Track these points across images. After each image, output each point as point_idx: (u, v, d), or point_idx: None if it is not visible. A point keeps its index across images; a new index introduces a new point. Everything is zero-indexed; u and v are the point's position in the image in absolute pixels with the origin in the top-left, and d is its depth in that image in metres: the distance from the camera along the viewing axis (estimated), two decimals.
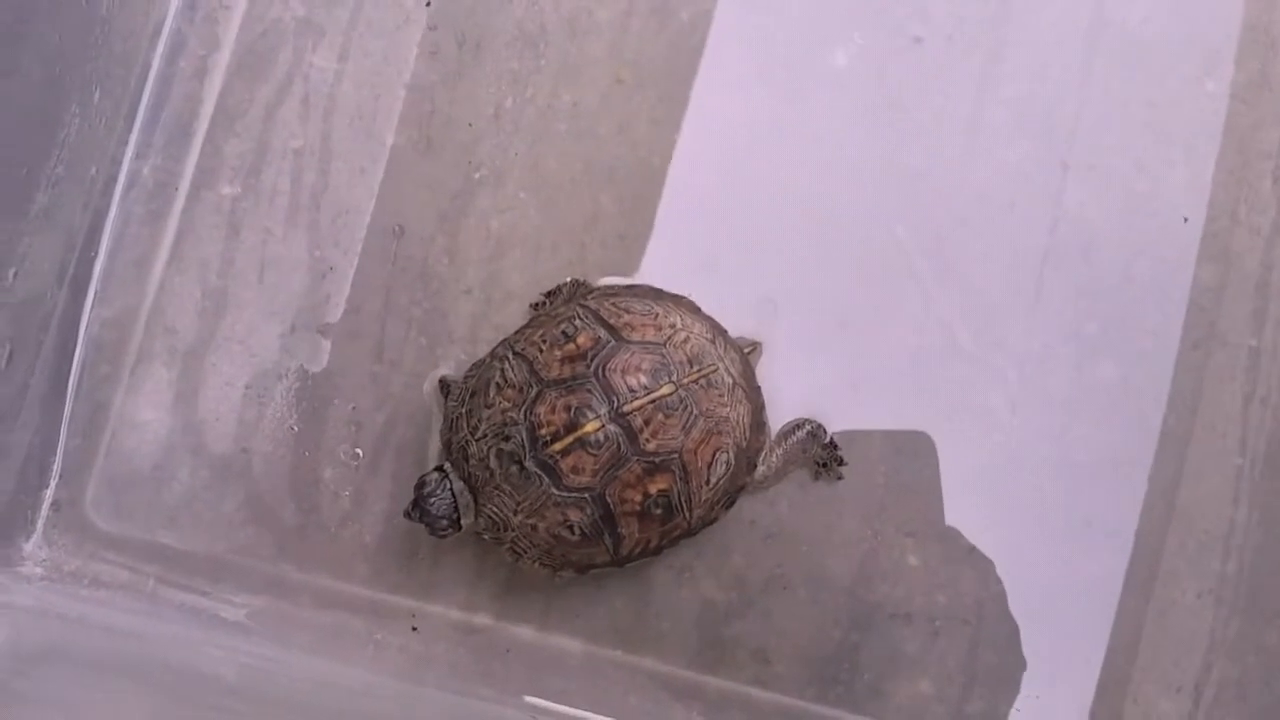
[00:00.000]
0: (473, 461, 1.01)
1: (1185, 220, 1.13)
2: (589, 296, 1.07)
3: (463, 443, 1.02)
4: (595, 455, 0.97)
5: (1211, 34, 1.17)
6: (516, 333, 1.06)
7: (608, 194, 1.14)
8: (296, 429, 1.10)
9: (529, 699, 1.07)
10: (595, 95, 1.15)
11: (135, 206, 1.12)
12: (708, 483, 1.01)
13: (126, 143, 1.11)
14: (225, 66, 1.14)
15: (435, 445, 1.10)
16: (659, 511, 0.99)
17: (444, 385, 1.09)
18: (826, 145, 1.15)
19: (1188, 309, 1.13)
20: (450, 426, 1.04)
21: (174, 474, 1.10)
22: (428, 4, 1.15)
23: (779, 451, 1.07)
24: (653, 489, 0.98)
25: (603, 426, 0.97)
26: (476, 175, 1.14)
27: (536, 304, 1.11)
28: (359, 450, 1.10)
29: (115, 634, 1.01)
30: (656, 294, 1.07)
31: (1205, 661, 1.09)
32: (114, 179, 1.11)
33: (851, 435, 1.10)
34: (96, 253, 1.10)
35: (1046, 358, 1.12)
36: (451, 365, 1.11)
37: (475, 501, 1.01)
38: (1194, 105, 1.16)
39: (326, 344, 1.11)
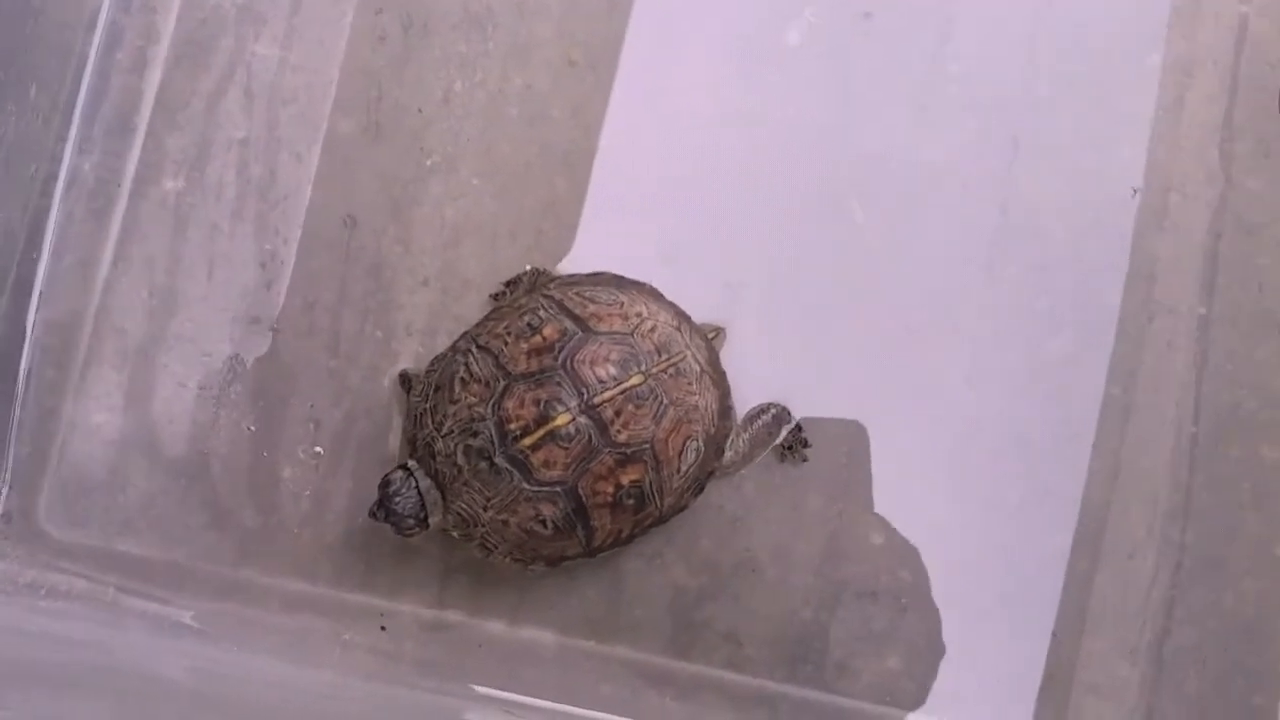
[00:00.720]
0: (439, 458, 0.99)
1: (1134, 193, 1.15)
2: (551, 285, 1.05)
3: (428, 439, 1.00)
4: (566, 448, 0.96)
5: (1150, 9, 1.18)
6: (478, 325, 1.04)
7: (563, 179, 1.12)
8: (253, 429, 1.08)
9: (490, 691, 1.06)
10: (547, 78, 1.13)
11: (77, 205, 1.08)
12: (679, 471, 1.01)
13: (65, 139, 1.08)
14: (164, 58, 1.11)
15: (396, 441, 1.09)
16: (631, 502, 0.99)
17: (405, 380, 1.07)
18: (782, 126, 1.14)
19: (1138, 281, 1.14)
20: (415, 423, 1.02)
21: (129, 479, 1.07)
22: None
23: (745, 436, 1.07)
24: (625, 480, 0.98)
25: (573, 419, 0.96)
26: (428, 162, 1.12)
27: (497, 294, 1.09)
28: (319, 448, 1.08)
29: (77, 645, 0.99)
30: (619, 281, 1.06)
31: (1163, 626, 1.11)
32: (54, 177, 1.07)
33: (814, 418, 1.10)
34: (39, 254, 1.07)
35: (1001, 335, 1.13)
36: (410, 359, 1.09)
37: (443, 498, 1.00)
38: (1137, 80, 1.17)
39: (281, 340, 1.09)
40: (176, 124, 1.11)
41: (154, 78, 1.10)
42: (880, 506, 1.10)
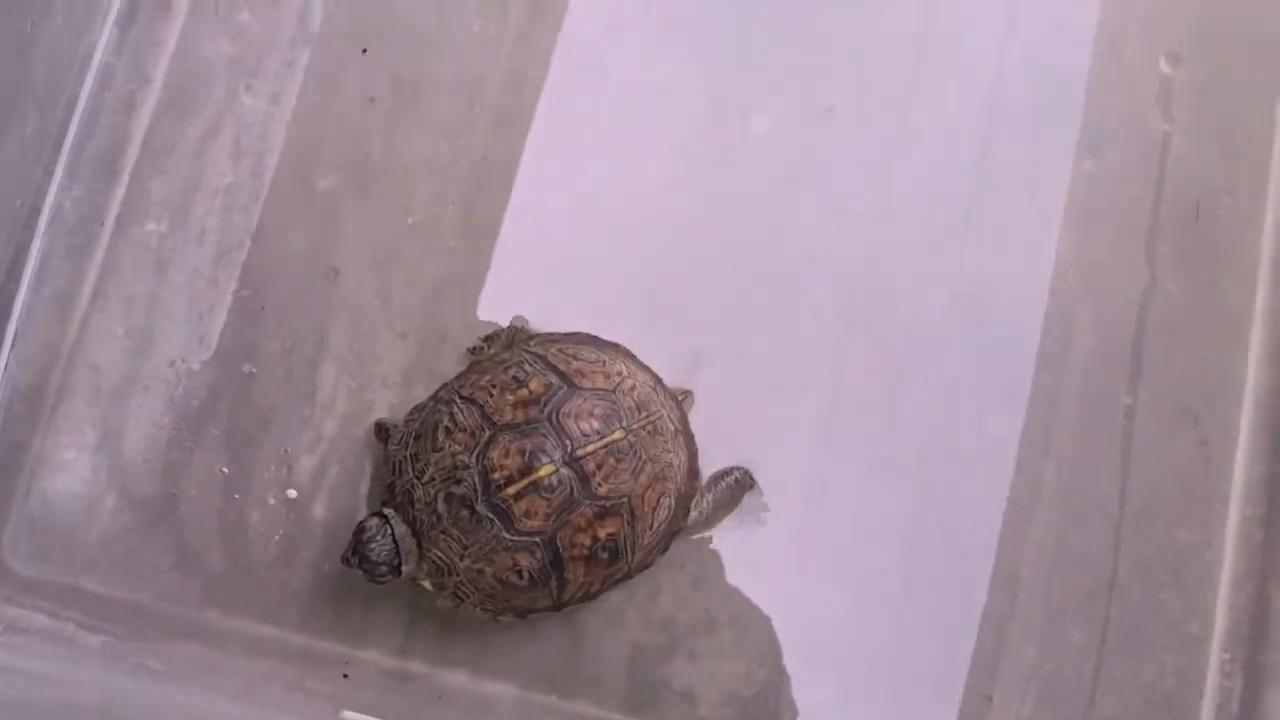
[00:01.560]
0: (418, 505, 1.01)
1: (1055, 287, 1.23)
2: (531, 342, 1.09)
3: (408, 486, 1.02)
4: (548, 499, 0.99)
5: (1078, 122, 1.28)
6: (459, 377, 1.07)
7: (540, 246, 1.16)
8: (226, 471, 1.08)
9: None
10: (531, 151, 1.18)
11: (58, 241, 1.09)
12: (652, 527, 1.04)
13: (52, 174, 1.08)
14: (154, 102, 1.13)
15: (368, 489, 1.10)
16: (605, 556, 1.02)
17: (380, 429, 1.09)
18: (749, 209, 1.20)
19: (1074, 369, 1.22)
20: (394, 470, 1.04)
21: (97, 516, 1.06)
22: (364, 51, 1.16)
23: (710, 497, 1.11)
24: (602, 533, 1.01)
25: (557, 470, 0.99)
26: (410, 220, 1.15)
27: (474, 348, 1.12)
28: (291, 492, 1.09)
29: (35, 681, 0.97)
30: (596, 341, 1.10)
31: (1089, 696, 1.17)
32: (37, 211, 1.08)
33: (770, 481, 1.15)
34: (18, 286, 1.06)
35: (947, 410, 1.20)
36: (385, 409, 1.11)
37: (419, 546, 1.02)
38: (1072, 180, 1.26)
39: (257, 385, 1.10)
40: (162, 168, 1.12)
41: (142, 121, 1.12)
42: (838, 569, 1.15)
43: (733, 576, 1.13)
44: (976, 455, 1.19)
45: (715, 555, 1.13)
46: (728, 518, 1.13)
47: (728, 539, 1.13)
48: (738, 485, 1.13)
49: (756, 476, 1.13)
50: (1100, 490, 1.21)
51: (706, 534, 1.12)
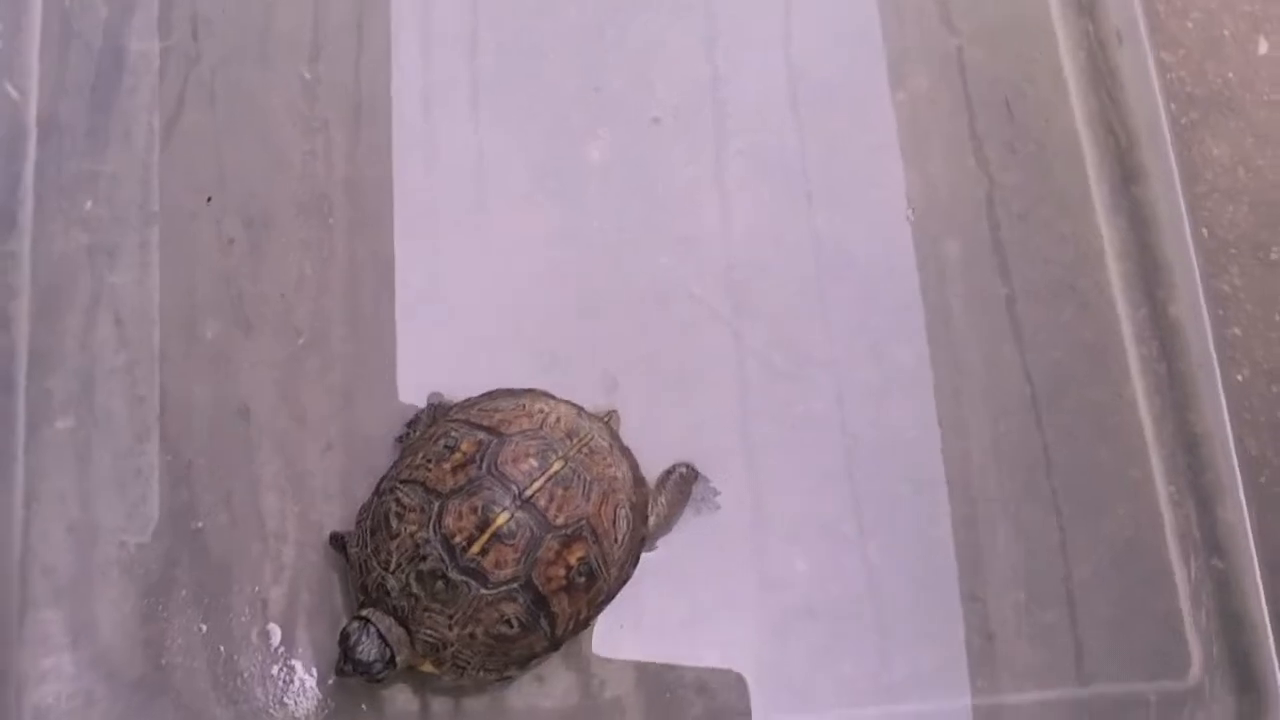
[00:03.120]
0: (394, 594, 1.04)
1: (911, 213, 1.31)
2: (451, 412, 1.13)
3: (379, 580, 1.05)
4: (513, 545, 1.03)
5: (880, 56, 1.37)
6: (393, 466, 1.11)
7: (423, 325, 1.21)
8: (204, 628, 1.10)
9: None
10: (387, 243, 1.23)
11: None
12: (616, 541, 1.08)
13: None
14: (28, 310, 1.15)
15: (343, 600, 1.13)
16: (583, 580, 1.06)
17: (336, 539, 1.12)
18: (607, 231, 1.27)
19: (941, 281, 1.30)
20: (361, 570, 1.07)
21: (94, 712, 1.07)
22: (208, 200, 1.20)
23: (662, 499, 1.16)
24: (572, 559, 1.05)
25: (512, 515, 1.03)
26: (300, 341, 1.19)
27: (400, 436, 1.16)
28: (271, 625, 1.11)
29: None
30: (512, 391, 1.15)
31: (1064, 569, 1.23)
32: None
33: (713, 468, 1.20)
34: None
35: (850, 358, 1.26)
36: (336, 521, 1.14)
37: (408, 632, 1.04)
38: (889, 116, 1.35)
39: (209, 537, 1.12)
40: (54, 367, 1.15)
41: (22, 330, 1.15)
42: (794, 534, 1.20)
43: (706, 563, 1.17)
44: (885, 390, 1.26)
45: (684, 548, 1.17)
46: (684, 513, 1.18)
47: (690, 530, 1.18)
48: (683, 480, 1.17)
49: (698, 468, 1.19)
50: (1010, 382, 1.28)
51: (670, 533, 1.17)
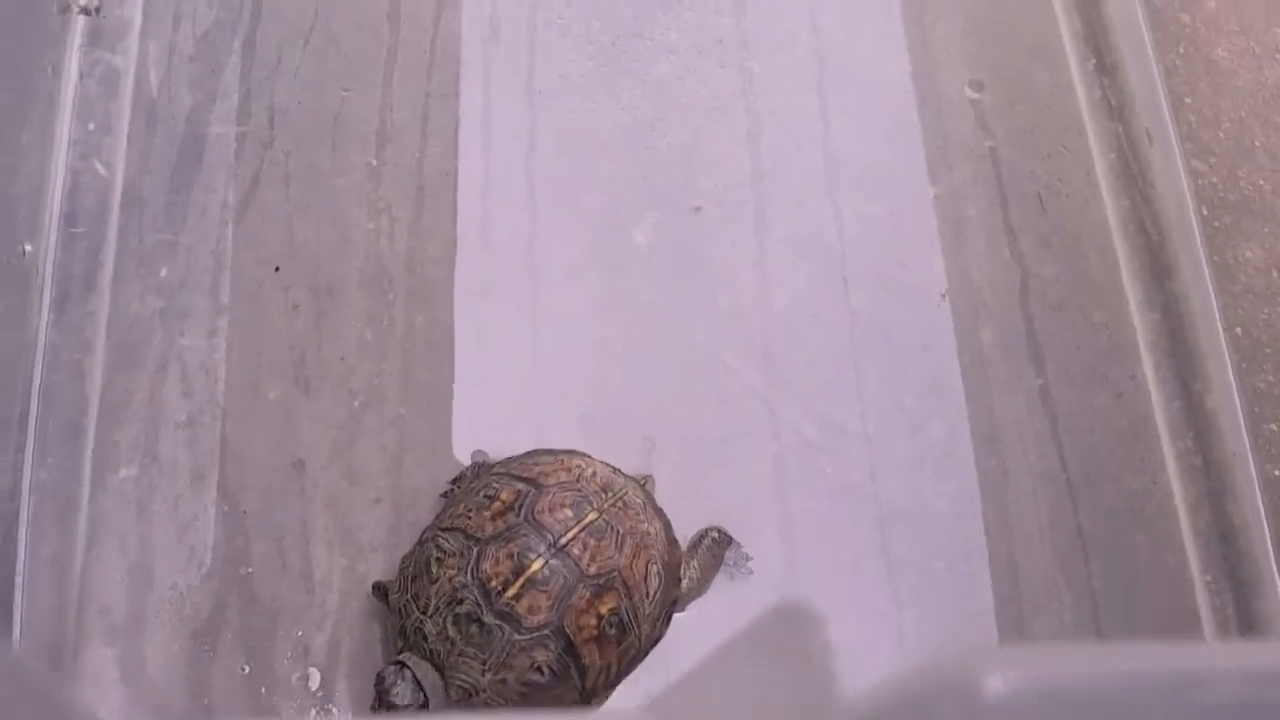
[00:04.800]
0: (431, 638, 1.07)
1: (943, 296, 1.36)
2: (493, 469, 1.18)
3: (417, 624, 1.08)
4: (546, 591, 1.06)
5: (917, 150, 1.43)
6: (437, 517, 1.15)
7: (475, 391, 1.27)
8: (248, 669, 1.14)
9: None
10: (444, 314, 1.30)
11: (43, 507, 1.16)
12: (648, 596, 1.11)
13: (24, 452, 1.17)
14: (102, 364, 1.23)
15: (382, 650, 1.16)
16: (614, 632, 1.08)
17: (379, 589, 1.16)
18: (649, 307, 1.32)
19: (978, 366, 1.34)
20: (400, 614, 1.10)
21: None
22: (276, 269, 1.28)
23: (695, 562, 1.18)
24: (604, 609, 1.08)
25: (546, 562, 1.07)
26: (356, 403, 1.25)
27: (446, 492, 1.20)
28: (313, 670, 1.14)
29: None
30: (550, 450, 1.20)
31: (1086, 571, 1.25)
32: (18, 486, 1.16)
33: (746, 534, 1.23)
34: (15, 559, 1.13)
35: (883, 432, 1.30)
36: (380, 572, 1.18)
37: (443, 678, 1.07)
38: (925, 207, 1.41)
39: (258, 582, 1.17)
40: (122, 419, 1.21)
41: (95, 383, 1.22)
42: (827, 603, 1.22)
43: (737, 628, 1.19)
44: (926, 462, 1.29)
45: (716, 611, 1.20)
46: (717, 576, 1.20)
47: (724, 595, 1.20)
48: (716, 544, 1.20)
49: (730, 532, 1.21)
50: (1045, 463, 1.31)
51: (702, 596, 1.19)
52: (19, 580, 1.13)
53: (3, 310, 1.17)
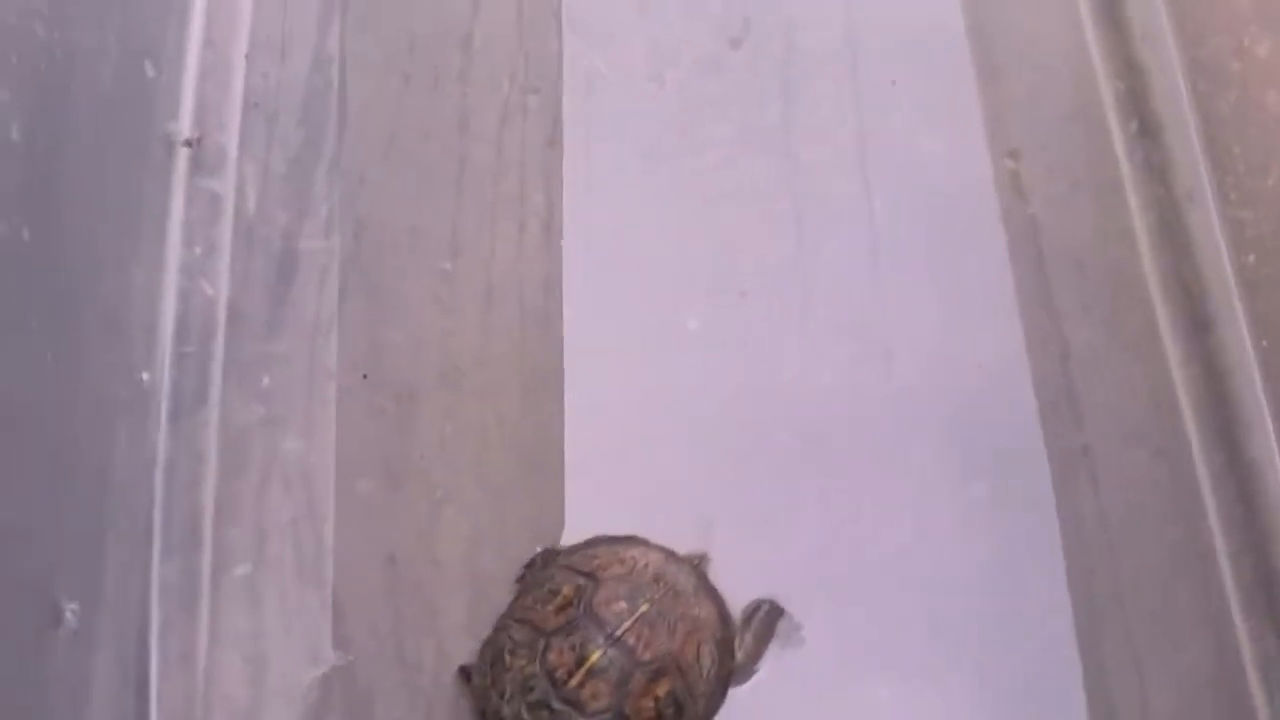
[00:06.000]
0: None
1: (985, 367, 1.43)
2: (559, 557, 1.30)
3: (496, 709, 1.21)
4: (606, 678, 1.18)
5: (964, 221, 1.50)
6: (510, 605, 1.28)
7: (542, 478, 1.39)
8: None
9: None
10: (513, 407, 1.42)
11: (169, 606, 1.32)
12: (702, 675, 1.22)
13: (150, 558, 1.33)
14: (214, 473, 1.38)
15: None
16: (670, 711, 1.20)
17: (464, 672, 1.29)
18: (699, 392, 1.43)
19: (1031, 433, 1.41)
20: (481, 698, 1.23)
21: None
22: (364, 377, 1.42)
23: (748, 636, 1.29)
24: (660, 691, 1.19)
25: (604, 652, 1.18)
26: (437, 495, 1.38)
27: (520, 577, 1.33)
28: None
29: None
30: (610, 539, 1.31)
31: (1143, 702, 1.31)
32: (148, 590, 1.31)
33: (796, 604, 1.33)
34: (148, 658, 1.29)
35: (929, 498, 1.38)
36: (465, 655, 1.31)
37: None
38: (971, 277, 1.48)
39: (357, 666, 1.31)
40: (233, 521, 1.36)
41: (209, 489, 1.37)
42: (881, 670, 1.31)
43: (792, 696, 1.30)
44: (972, 527, 1.37)
45: (770, 681, 1.30)
46: (769, 648, 1.30)
47: (778, 663, 1.30)
48: (769, 617, 1.30)
49: (782, 603, 1.32)
50: (1085, 525, 1.38)
51: (757, 666, 1.30)
52: (152, 677, 1.29)
53: (128, 434, 1.32)
